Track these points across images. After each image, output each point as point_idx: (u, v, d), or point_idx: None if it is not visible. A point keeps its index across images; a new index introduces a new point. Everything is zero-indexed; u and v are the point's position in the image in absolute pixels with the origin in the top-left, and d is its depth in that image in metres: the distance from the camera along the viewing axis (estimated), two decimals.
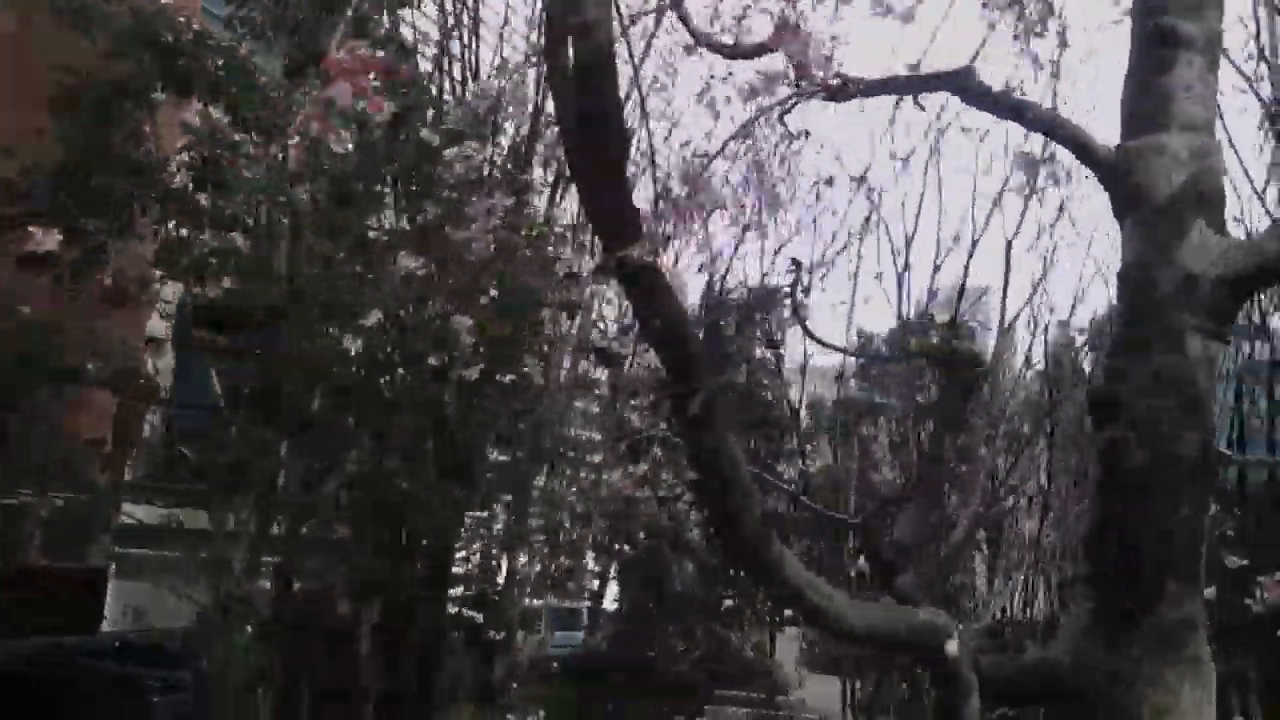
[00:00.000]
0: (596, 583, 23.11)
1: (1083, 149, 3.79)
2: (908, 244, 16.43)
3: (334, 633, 12.58)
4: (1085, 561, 3.48)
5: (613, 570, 22.86)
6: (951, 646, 3.22)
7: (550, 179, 13.42)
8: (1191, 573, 3.35)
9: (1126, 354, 3.52)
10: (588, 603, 24.08)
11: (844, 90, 4.25)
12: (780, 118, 4.84)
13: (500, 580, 16.37)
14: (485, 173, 12.53)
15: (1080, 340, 19.86)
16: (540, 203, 14.12)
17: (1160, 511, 3.36)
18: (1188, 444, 3.34)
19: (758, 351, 23.93)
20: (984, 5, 5.86)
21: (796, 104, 4.65)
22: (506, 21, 13.72)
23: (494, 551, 15.52)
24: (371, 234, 10.72)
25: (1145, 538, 3.36)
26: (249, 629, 11.12)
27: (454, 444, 11.70)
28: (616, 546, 19.60)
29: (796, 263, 6.14)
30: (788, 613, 26.72)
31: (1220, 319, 3.45)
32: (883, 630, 3.29)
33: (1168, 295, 3.47)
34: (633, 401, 12.79)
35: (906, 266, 16.18)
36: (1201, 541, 3.38)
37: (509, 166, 13.20)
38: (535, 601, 18.61)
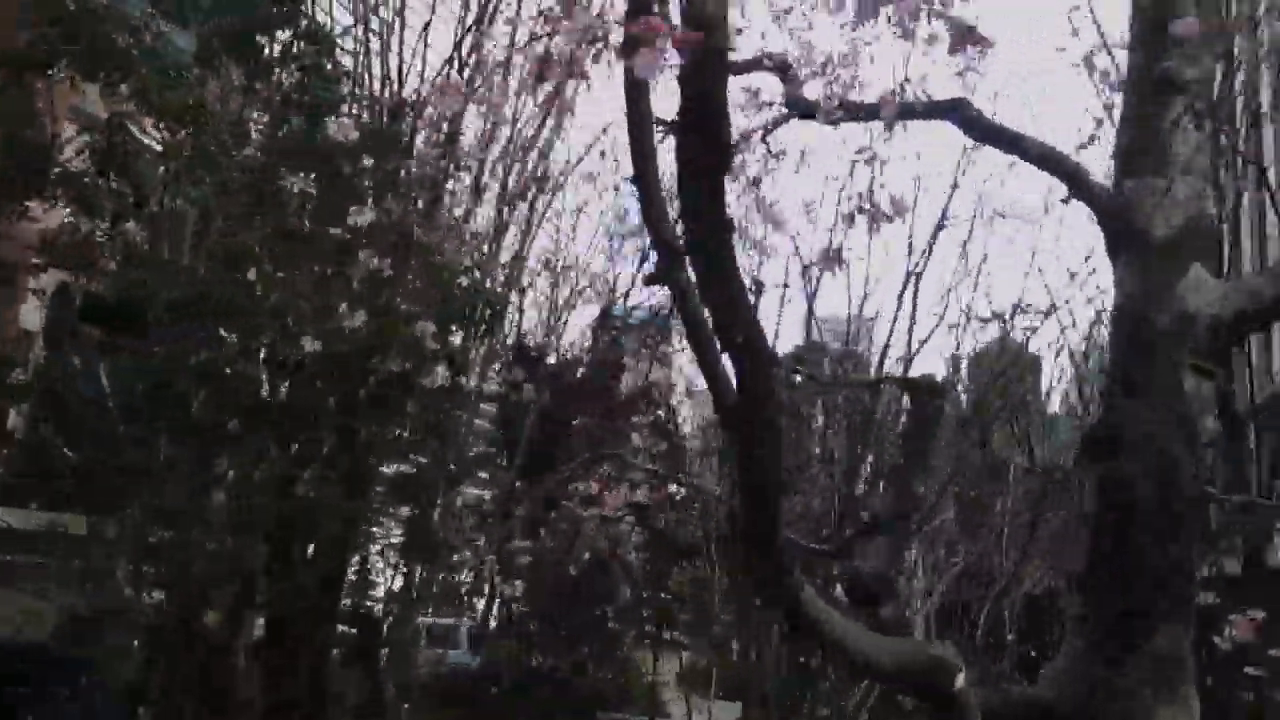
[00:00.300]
0: (482, 601, 22.75)
1: (1080, 185, 3.83)
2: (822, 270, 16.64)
3: (219, 646, 12.04)
4: (1077, 596, 3.47)
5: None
6: (961, 680, 3.19)
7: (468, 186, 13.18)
8: (1184, 608, 3.39)
9: (1125, 391, 3.54)
10: (468, 620, 23.70)
11: (839, 113, 4.22)
12: (764, 137, 4.79)
13: (383, 595, 15.97)
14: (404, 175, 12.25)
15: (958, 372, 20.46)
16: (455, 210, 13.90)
17: (1159, 547, 3.39)
18: (1186, 480, 3.40)
19: (653, 372, 24.00)
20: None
21: (784, 124, 4.62)
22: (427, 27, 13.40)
23: (386, 565, 15.13)
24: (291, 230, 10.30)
25: (1143, 573, 3.38)
26: (135, 643, 10.52)
27: (358, 453, 11.33)
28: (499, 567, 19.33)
29: (758, 283, 6.03)
30: (669, 635, 26.74)
31: (1215, 359, 3.51)
32: (896, 663, 3.24)
33: (1166, 334, 3.51)
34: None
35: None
36: (1193, 577, 3.43)
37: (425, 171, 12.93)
38: (424, 619, 18.18)
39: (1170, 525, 3.38)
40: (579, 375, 18.57)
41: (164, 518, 11.40)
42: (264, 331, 10.79)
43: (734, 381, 2.72)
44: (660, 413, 23.48)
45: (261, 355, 11.49)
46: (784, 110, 4.55)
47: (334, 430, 11.29)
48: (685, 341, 22.35)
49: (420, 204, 11.82)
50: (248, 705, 12.18)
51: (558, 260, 17.69)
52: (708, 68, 2.33)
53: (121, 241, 10.88)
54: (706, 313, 2.78)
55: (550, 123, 13.43)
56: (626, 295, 21.04)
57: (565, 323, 18.60)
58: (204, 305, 10.15)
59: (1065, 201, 5.54)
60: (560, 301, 18.01)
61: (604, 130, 15.59)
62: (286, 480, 11.20)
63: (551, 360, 17.60)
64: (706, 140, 2.42)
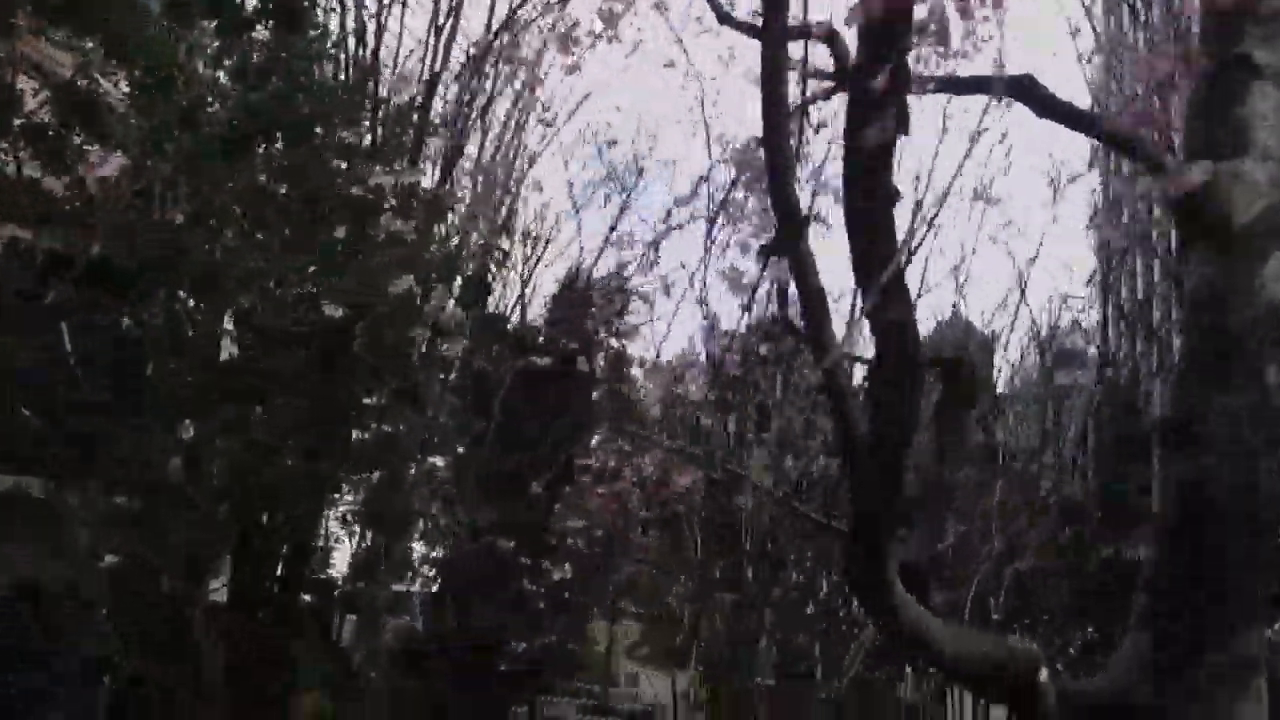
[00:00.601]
0: (430, 569, 22.53)
1: (1157, 169, 3.72)
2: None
3: (182, 613, 11.75)
4: (1146, 591, 3.40)
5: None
6: (1044, 674, 3.12)
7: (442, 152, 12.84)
8: (1263, 606, 3.34)
9: (1203, 381, 3.47)
10: (417, 587, 23.49)
11: (902, 86, 4.08)
12: (804, 109, 4.64)
13: (347, 562, 15.69)
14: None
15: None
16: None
17: (1239, 545, 3.32)
18: (1266, 475, 3.33)
19: (614, 343, 23.86)
20: None
21: (831, 96, 4.47)
22: None
23: (347, 532, 14.85)
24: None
25: (1223, 572, 3.31)
26: (103, 612, 10.20)
27: (335, 419, 11.04)
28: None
29: (767, 250, 5.87)
30: (624, 605, 26.77)
31: None
32: (979, 657, 3.15)
33: (1248, 325, 3.43)
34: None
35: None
36: (1274, 574, 3.38)
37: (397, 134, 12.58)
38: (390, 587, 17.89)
39: (1251, 521, 3.32)
40: (543, 342, 18.34)
41: (127, 483, 11.06)
42: (240, 294, 10.48)
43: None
44: (623, 385, 23.37)
45: (230, 318, 11.18)
46: (829, 81, 4.41)
47: (310, 396, 11.01)
48: (647, 311, 22.15)
49: (397, 167, 11.52)
50: (211, 670, 11.94)
51: (532, 228, 17.41)
52: (892, 30, 2.19)
53: (86, 197, 10.45)
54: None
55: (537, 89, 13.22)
56: (594, 265, 20.82)
57: (534, 290, 18.39)
58: (177, 266, 9.79)
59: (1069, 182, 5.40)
60: (530, 270, 17.77)
61: (585, 97, 15.33)
62: (258, 447, 10.91)
63: (520, 327, 17.35)
64: (882, 107, 2.28)
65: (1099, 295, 20.66)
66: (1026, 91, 3.90)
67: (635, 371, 23.74)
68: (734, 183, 4.41)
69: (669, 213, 17.40)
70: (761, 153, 4.20)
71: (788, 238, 2.74)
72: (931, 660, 3.00)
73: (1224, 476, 3.31)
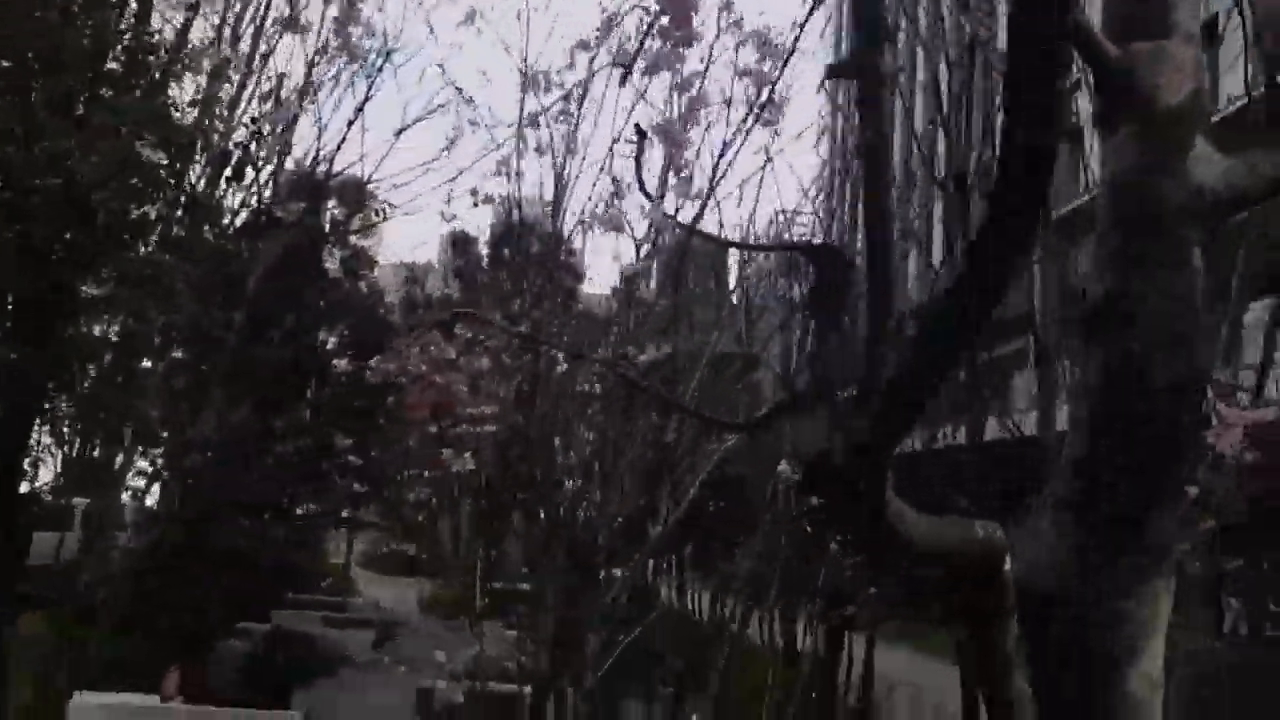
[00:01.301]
0: (143, 480, 20.85)
1: (1088, 44, 3.59)
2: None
3: None
4: (1069, 479, 3.36)
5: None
6: (1008, 562, 2.99)
7: None
8: (1181, 494, 3.36)
9: (1130, 266, 3.41)
10: (131, 500, 21.76)
11: None
12: None
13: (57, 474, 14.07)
14: None
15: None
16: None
17: (1170, 430, 3.31)
18: (1203, 359, 3.33)
19: (353, 239, 22.68)
20: None
21: None
22: None
23: (63, 439, 13.23)
24: None
25: (1153, 459, 3.29)
26: None
27: (53, 308, 9.57)
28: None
29: (641, 132, 5.41)
30: (360, 515, 25.98)
31: (1215, 234, 3.46)
32: (954, 546, 2.97)
33: (1174, 207, 3.39)
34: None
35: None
36: (1195, 462, 3.41)
37: None
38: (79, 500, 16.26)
39: (1183, 406, 3.31)
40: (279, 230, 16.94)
41: None
42: None
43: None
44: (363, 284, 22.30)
45: None
46: None
47: (18, 281, 9.54)
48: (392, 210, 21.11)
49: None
50: None
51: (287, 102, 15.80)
52: None
53: None
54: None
55: None
56: (332, 159, 19.39)
57: (274, 175, 16.85)
58: None
59: None
60: (276, 151, 16.18)
61: None
62: None
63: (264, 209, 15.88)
64: None
65: (824, 205, 21.57)
66: None
67: (376, 273, 22.72)
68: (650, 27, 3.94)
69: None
70: None
71: (870, 46, 2.35)
72: (913, 552, 2.80)
73: (1157, 360, 3.26)
